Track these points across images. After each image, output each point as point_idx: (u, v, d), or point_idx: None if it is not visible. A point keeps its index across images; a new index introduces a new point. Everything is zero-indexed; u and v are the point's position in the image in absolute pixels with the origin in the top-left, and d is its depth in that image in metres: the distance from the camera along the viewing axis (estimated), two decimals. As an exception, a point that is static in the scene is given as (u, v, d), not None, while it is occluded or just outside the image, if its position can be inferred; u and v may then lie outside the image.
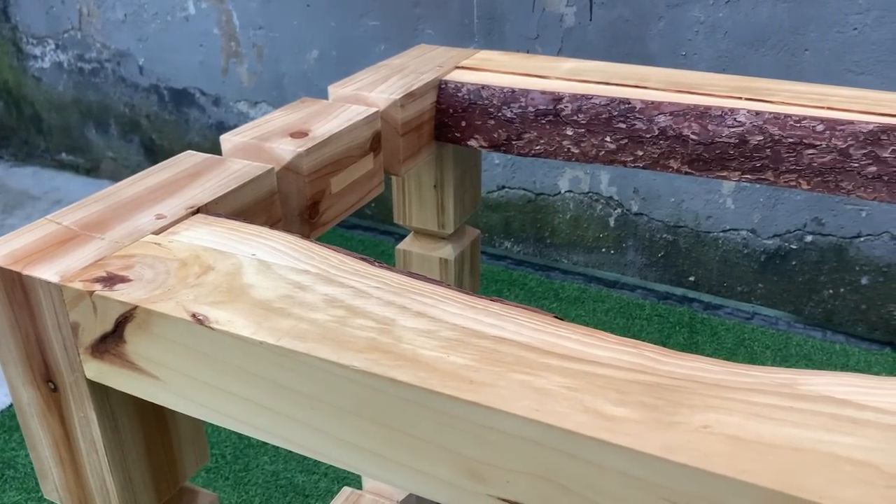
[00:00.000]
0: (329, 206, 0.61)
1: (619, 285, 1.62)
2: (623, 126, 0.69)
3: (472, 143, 0.75)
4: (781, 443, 0.28)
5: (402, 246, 0.91)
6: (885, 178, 0.63)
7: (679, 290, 1.58)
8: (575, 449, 0.29)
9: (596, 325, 1.50)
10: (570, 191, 1.59)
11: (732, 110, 0.66)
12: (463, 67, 0.78)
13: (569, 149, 0.72)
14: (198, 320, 0.35)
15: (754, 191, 1.40)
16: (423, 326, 0.34)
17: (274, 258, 0.40)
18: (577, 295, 1.61)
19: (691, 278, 1.55)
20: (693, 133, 0.67)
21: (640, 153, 0.70)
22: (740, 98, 0.68)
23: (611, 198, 1.55)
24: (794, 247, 1.41)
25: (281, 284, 0.38)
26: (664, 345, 1.45)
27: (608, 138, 0.70)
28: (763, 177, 0.66)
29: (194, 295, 0.37)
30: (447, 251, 0.89)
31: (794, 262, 1.42)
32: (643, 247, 1.57)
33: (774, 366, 1.41)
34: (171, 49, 1.92)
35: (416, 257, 0.90)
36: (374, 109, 0.65)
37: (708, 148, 0.67)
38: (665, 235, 1.53)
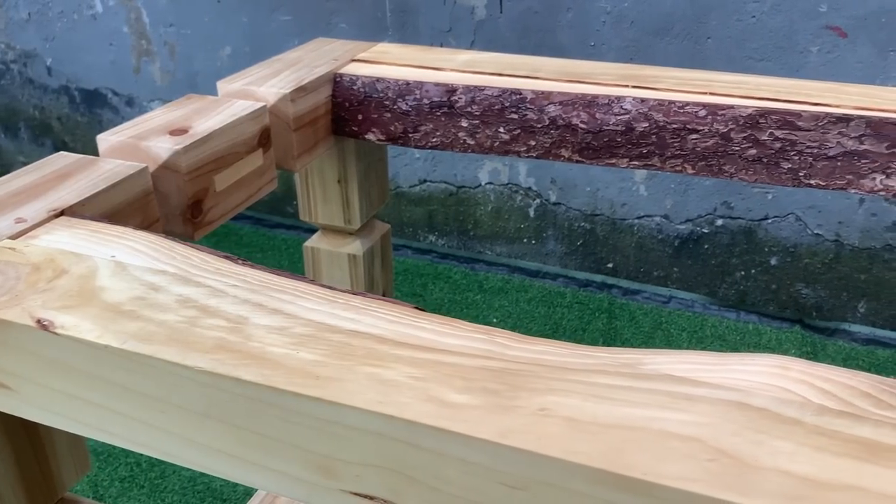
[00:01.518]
0: (214, 205, 0.60)
1: (542, 274, 1.64)
2: (515, 116, 0.70)
3: (370, 136, 0.75)
4: (615, 422, 0.28)
5: (309, 243, 0.90)
6: (764, 160, 0.65)
7: (598, 277, 1.60)
8: (417, 438, 0.29)
9: (519, 314, 1.52)
10: (490, 183, 1.59)
11: (619, 98, 0.67)
12: (359, 60, 0.78)
13: (464, 140, 0.72)
14: (42, 326, 0.34)
15: (665, 177, 1.43)
16: (277, 323, 0.34)
17: (133, 259, 0.39)
18: (501, 286, 1.62)
19: (610, 265, 1.58)
20: (582, 122, 0.68)
21: (533, 143, 0.70)
22: (627, 86, 0.69)
23: (530, 188, 1.56)
24: (706, 231, 1.45)
25: (135, 286, 0.37)
26: (584, 331, 1.48)
27: (502, 129, 0.71)
28: (650, 162, 0.68)
29: (43, 300, 0.36)
30: (355, 247, 0.89)
31: (706, 246, 1.46)
32: (563, 236, 1.59)
33: (690, 348, 1.44)
34: (79, 49, 1.85)
35: (324, 254, 0.90)
36: (262, 104, 0.64)
37: (596, 136, 0.68)
38: (583, 224, 1.55)
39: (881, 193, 0.62)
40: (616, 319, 1.49)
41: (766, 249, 1.41)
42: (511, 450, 0.27)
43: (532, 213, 1.59)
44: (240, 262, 0.39)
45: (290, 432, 0.31)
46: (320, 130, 0.74)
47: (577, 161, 0.70)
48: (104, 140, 0.56)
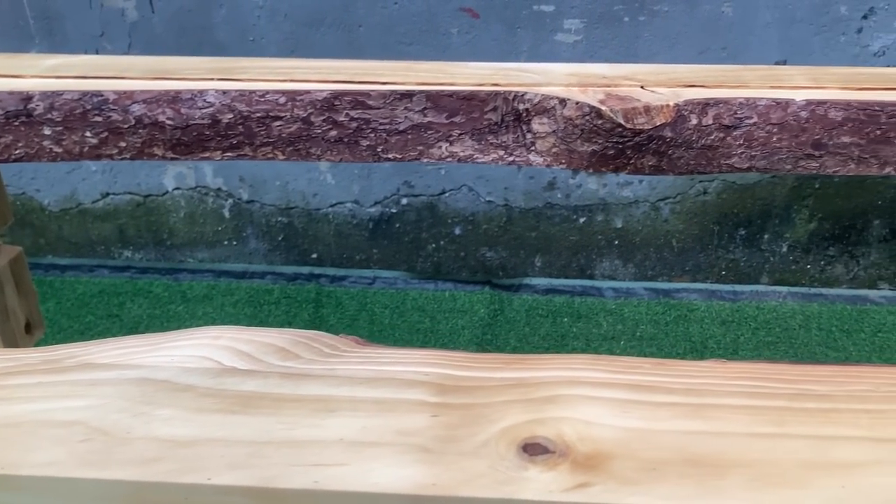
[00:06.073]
0: None
1: (249, 275, 1.62)
2: (100, 119, 0.67)
3: (-55, 156, 0.69)
4: (2, 422, 0.28)
5: (-83, 280, 0.81)
6: (345, 139, 0.68)
7: (306, 269, 1.62)
8: None
9: (224, 319, 1.49)
10: (177, 188, 1.54)
11: (202, 92, 0.67)
12: (-73, 75, 0.71)
13: (51, 149, 0.68)
14: None
15: (348, 164, 1.47)
16: None
17: None
18: (206, 292, 1.57)
19: (314, 255, 1.60)
20: (168, 118, 0.67)
21: (124, 144, 0.68)
22: (212, 79, 0.69)
23: (219, 189, 1.54)
24: (395, 210, 1.51)
25: None
26: (289, 324, 1.48)
27: (88, 133, 0.68)
28: (242, 153, 0.69)
29: None
30: (-27, 276, 0.81)
31: (398, 225, 1.53)
32: (262, 233, 1.58)
33: (392, 322, 1.50)
34: None
35: (-63, 289, 0.81)
36: None
37: (185, 131, 0.68)
38: (280, 218, 1.56)
39: (448, 160, 0.68)
40: (323, 307, 1.51)
41: (450, 221, 1.50)
42: None
43: (227, 214, 1.56)
44: None
45: None
46: None
47: (172, 158, 0.69)
48: None
